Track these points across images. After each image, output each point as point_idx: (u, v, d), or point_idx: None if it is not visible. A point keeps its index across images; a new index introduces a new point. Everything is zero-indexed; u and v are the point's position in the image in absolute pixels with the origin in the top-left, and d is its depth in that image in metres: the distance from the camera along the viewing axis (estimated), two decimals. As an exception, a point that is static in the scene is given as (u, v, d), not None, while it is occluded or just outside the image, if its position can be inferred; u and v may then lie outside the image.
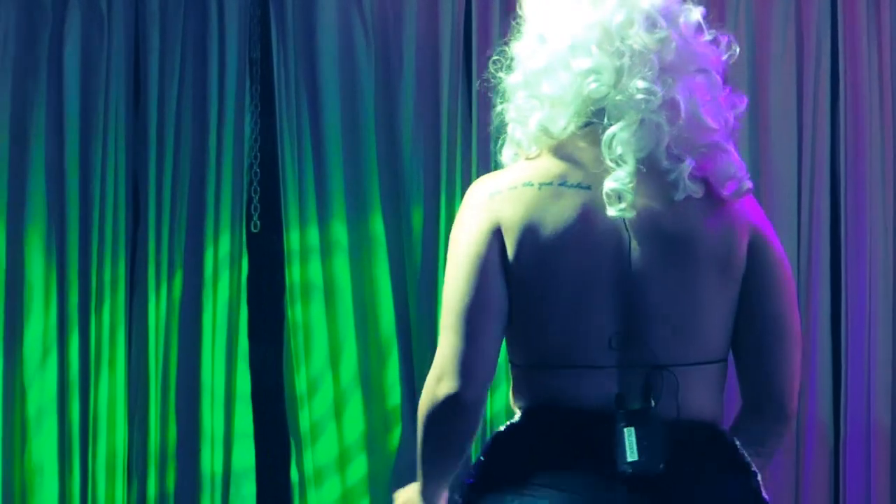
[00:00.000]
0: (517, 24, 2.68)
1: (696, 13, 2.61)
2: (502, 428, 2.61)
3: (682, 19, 2.60)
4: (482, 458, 2.60)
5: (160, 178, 4.75)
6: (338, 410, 4.76)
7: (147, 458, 4.73)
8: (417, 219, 4.78)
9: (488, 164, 4.73)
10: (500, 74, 2.67)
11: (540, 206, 2.52)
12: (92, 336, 4.70)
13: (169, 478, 4.75)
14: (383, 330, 4.76)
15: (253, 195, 4.83)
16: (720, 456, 2.56)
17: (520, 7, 2.69)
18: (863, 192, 4.74)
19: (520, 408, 2.60)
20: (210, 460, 4.74)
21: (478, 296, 2.52)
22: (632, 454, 2.47)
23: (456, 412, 2.53)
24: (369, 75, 4.80)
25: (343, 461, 4.75)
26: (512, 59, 2.66)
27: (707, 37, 2.61)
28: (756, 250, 2.59)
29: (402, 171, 4.79)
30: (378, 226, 4.78)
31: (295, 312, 4.75)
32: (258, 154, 4.84)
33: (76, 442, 4.68)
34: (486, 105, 4.50)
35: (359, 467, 4.75)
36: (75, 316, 4.69)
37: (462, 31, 4.81)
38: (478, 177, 4.66)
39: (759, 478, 2.57)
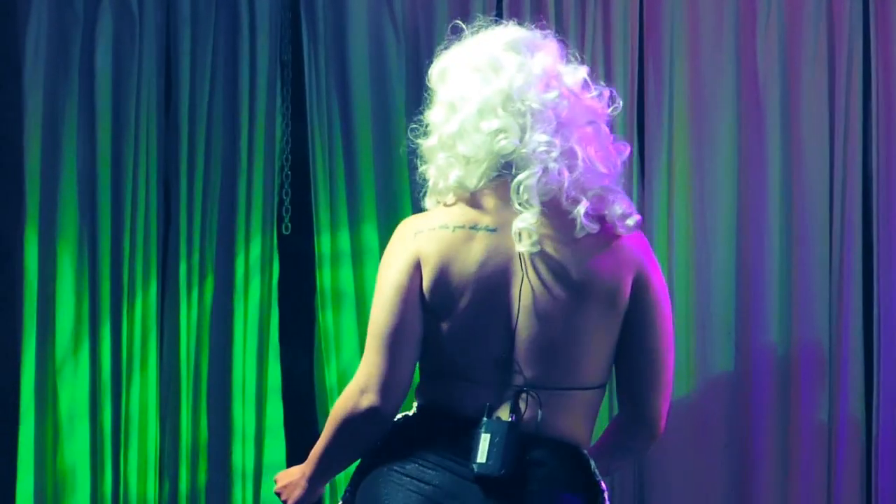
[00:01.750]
0: (428, 95, 3.12)
1: (582, 72, 3.06)
2: (398, 417, 3.04)
3: (570, 79, 3.03)
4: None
5: (191, 180, 4.76)
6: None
7: (179, 454, 4.74)
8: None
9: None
10: (419, 140, 3.13)
11: (453, 246, 2.96)
12: (124, 336, 4.71)
13: (200, 473, 4.75)
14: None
15: (284, 197, 4.84)
16: (572, 473, 2.99)
17: (427, 79, 3.16)
18: (895, 195, 4.75)
19: (417, 405, 3.06)
20: (241, 456, 4.74)
21: (400, 322, 2.96)
22: (481, 456, 2.91)
23: (375, 422, 2.98)
24: (400, 77, 4.81)
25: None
26: (427, 126, 3.11)
27: (594, 92, 3.06)
28: (639, 287, 3.01)
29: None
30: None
31: (326, 317, 4.76)
32: (289, 156, 4.85)
33: (108, 438, 4.68)
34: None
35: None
36: (107, 316, 4.69)
37: (493, 32, 4.82)
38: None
39: (606, 495, 3.03)
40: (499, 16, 4.81)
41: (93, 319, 4.70)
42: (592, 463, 3.03)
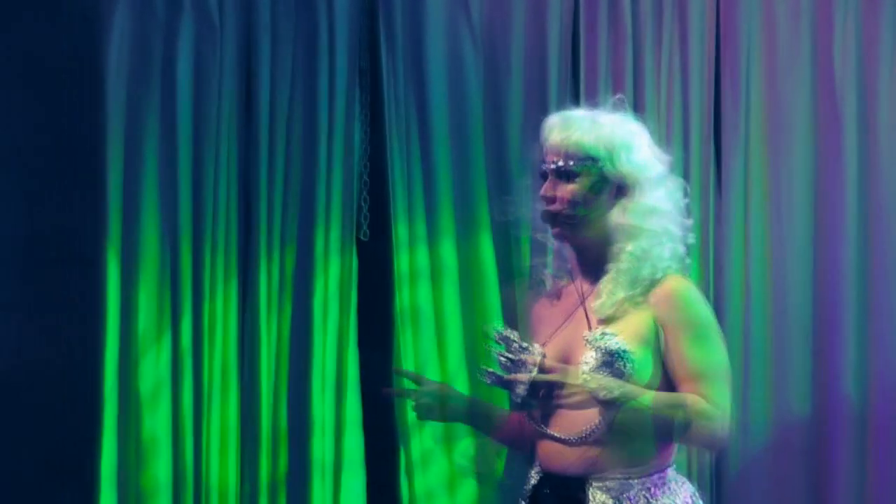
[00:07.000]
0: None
1: None
2: None
3: None
4: None
5: (271, 187, 4.76)
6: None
7: (259, 444, 4.75)
8: (526, 230, 4.79)
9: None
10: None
11: None
12: (205, 360, 4.71)
13: (280, 464, 4.77)
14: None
15: (363, 204, 4.86)
16: None
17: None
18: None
19: None
20: (322, 447, 4.76)
21: None
22: None
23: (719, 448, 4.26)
24: (477, 84, 4.82)
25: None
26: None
27: None
28: None
29: (510, 180, 4.81)
30: (486, 238, 4.82)
31: (405, 330, 4.80)
32: (368, 163, 4.87)
33: (189, 426, 4.72)
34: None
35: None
36: (189, 332, 4.68)
37: (570, 39, 4.83)
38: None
39: None
40: (575, 21, 4.81)
41: (174, 331, 4.70)
42: None
